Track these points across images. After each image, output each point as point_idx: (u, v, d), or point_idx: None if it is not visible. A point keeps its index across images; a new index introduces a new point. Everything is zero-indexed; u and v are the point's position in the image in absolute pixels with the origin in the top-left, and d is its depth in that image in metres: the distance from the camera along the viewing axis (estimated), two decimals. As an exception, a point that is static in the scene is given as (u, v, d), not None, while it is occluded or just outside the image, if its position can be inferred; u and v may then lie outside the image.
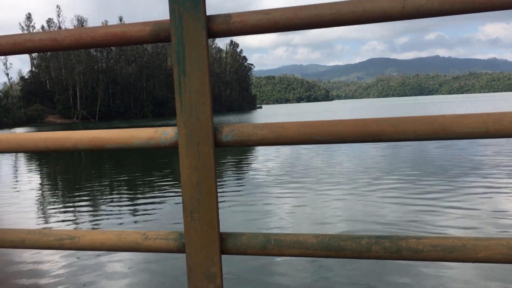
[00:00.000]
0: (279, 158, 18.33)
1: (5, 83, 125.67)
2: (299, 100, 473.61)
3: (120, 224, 9.12)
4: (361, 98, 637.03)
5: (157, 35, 1.20)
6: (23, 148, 1.31)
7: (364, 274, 5.54)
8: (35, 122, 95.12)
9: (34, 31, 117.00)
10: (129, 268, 6.56)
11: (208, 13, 1.17)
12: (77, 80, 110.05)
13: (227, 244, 1.20)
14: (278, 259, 6.12)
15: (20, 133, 1.31)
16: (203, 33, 1.15)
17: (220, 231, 1.20)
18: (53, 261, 6.96)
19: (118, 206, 10.48)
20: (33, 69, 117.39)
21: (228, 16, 1.16)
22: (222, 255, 1.20)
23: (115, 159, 21.58)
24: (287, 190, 11.10)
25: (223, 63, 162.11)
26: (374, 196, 9.82)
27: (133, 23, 1.22)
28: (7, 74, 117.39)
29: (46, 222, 9.62)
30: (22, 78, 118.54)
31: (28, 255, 7.10)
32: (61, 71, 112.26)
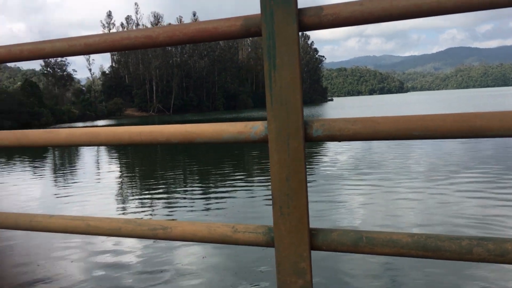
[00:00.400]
0: (350, 151, 18.00)
1: (88, 78, 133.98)
2: (371, 92, 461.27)
3: (192, 212, 9.40)
4: (438, 89, 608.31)
5: (248, 30, 1.21)
6: (119, 141, 1.37)
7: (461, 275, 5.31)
8: (115, 115, 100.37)
9: (114, 28, 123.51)
10: (203, 258, 6.75)
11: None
12: (153, 75, 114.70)
13: (317, 240, 1.19)
14: (367, 257, 5.98)
15: (117, 127, 1.38)
16: (294, 27, 1.13)
17: (310, 226, 1.19)
18: (132, 246, 7.33)
19: (203, 197, 10.68)
20: (113, 65, 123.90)
21: (319, 8, 1.14)
22: (312, 251, 1.19)
23: (197, 152, 22.21)
24: (363, 184, 10.88)
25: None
26: (460, 193, 9.36)
27: (224, 19, 1.24)
28: (90, 70, 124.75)
29: (135, 212, 10.13)
30: (103, 73, 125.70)
31: (107, 239, 7.52)
32: (138, 66, 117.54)
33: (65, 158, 23.36)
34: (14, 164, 21.76)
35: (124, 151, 24.05)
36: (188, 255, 6.92)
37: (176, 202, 10.60)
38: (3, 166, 20.91)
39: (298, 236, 1.17)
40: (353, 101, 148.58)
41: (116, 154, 23.32)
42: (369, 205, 8.93)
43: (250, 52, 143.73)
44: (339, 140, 1.15)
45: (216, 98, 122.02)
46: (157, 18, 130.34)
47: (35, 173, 18.08)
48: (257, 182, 12.46)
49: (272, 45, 1.16)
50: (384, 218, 7.96)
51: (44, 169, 19.40)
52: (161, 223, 1.35)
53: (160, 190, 12.34)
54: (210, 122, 1.28)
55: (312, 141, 1.17)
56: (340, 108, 79.44)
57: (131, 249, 7.26)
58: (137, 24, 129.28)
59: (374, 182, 11.04)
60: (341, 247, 1.16)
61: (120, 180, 15.28)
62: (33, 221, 1.53)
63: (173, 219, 8.93)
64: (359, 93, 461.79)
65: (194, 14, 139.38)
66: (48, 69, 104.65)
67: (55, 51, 1.42)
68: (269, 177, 1.21)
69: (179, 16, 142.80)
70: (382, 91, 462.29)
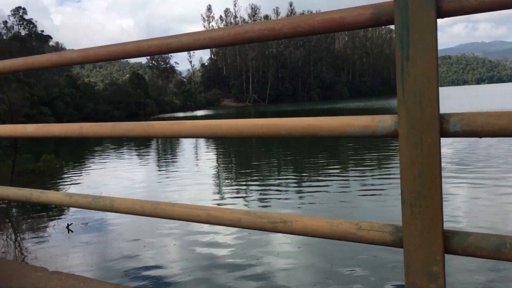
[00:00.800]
0: (454, 144, 16.93)
1: (188, 70, 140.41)
2: (479, 81, 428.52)
3: (288, 203, 9.44)
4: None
5: (378, 19, 1.15)
6: (240, 133, 1.39)
7: None
8: (213, 105, 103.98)
9: (213, 21, 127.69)
10: (298, 248, 6.78)
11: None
12: (250, 66, 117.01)
13: (452, 243, 1.10)
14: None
15: (239, 119, 1.39)
16: (432, 14, 1.05)
17: (444, 228, 1.11)
18: (229, 232, 7.55)
19: (321, 192, 10.43)
20: (212, 57, 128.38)
21: (461, -8, 1.04)
22: (445, 254, 1.11)
23: (296, 143, 22.28)
24: (473, 180, 10.19)
25: (393, 43, 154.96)
26: None
27: (352, 8, 1.19)
28: (190, 62, 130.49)
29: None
30: (202, 65, 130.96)
31: (206, 227, 7.81)
32: (236, 57, 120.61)
33: (166, 146, 24.69)
34: (121, 151, 23.50)
35: (221, 140, 24.77)
36: (284, 243, 6.99)
37: (274, 194, 10.72)
38: (113, 153, 22.67)
39: (431, 238, 1.10)
40: (457, 91, 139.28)
41: (214, 143, 24.13)
42: (479, 201, 8.35)
43: (347, 41, 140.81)
44: (480, 136, 1.06)
45: (311, 88, 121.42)
46: (254, 10, 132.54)
47: (139, 160, 19.36)
48: (363, 176, 12.19)
49: (405, 34, 1.09)
50: (498, 219, 7.39)
51: (147, 157, 20.70)
52: (281, 216, 1.35)
53: (260, 181, 12.57)
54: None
55: (449, 136, 1.09)
56: (445, 98, 75.02)
57: (228, 235, 7.51)
58: (235, 17, 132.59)
59: (484, 178, 10.29)
60: (480, 252, 1.07)
61: (220, 169, 15.80)
62: (158, 208, 1.61)
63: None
64: (464, 82, 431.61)
65: (291, 4, 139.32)
66: (153, 62, 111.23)
67: (181, 45, 1.47)
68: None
69: (276, 7, 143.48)
70: (491, 80, 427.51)
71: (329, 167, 13.80)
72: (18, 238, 8.58)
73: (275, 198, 10.08)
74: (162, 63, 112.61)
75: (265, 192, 10.77)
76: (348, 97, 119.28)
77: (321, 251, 6.54)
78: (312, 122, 1.25)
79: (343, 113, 46.44)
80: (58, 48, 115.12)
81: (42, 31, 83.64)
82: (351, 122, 1.21)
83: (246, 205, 9.70)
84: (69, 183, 13.56)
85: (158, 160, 19.24)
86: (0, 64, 2.04)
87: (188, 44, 1.45)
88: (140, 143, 25.83)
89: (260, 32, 1.32)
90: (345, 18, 1.19)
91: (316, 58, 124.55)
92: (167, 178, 13.84)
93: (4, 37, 77.86)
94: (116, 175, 15.03)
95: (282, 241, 6.99)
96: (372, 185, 10.64)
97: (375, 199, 9.26)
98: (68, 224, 8.90)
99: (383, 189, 10.06)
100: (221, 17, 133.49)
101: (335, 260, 6.20)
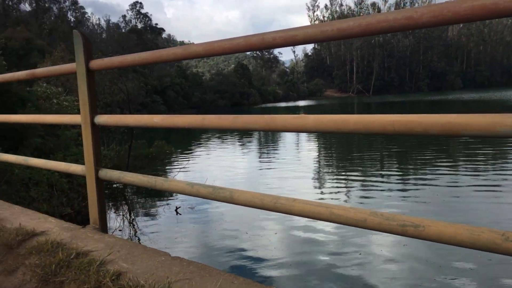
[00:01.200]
0: None
1: (291, 60, 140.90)
2: None
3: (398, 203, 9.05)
4: None
5: None
6: (369, 130, 1.31)
7: None
8: (315, 95, 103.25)
9: (318, 10, 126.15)
10: (403, 245, 6.52)
11: None
12: (355, 55, 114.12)
13: None
14: None
15: (368, 115, 1.32)
16: None
17: None
18: (329, 225, 7.45)
19: (442, 193, 9.73)
20: (316, 46, 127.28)
21: None
22: None
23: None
24: None
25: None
26: None
27: (508, -8, 1.05)
28: (294, 52, 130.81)
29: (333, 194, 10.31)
30: (306, 55, 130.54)
31: (304, 220, 7.76)
32: (340, 47, 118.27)
33: (268, 137, 25.00)
34: (225, 140, 24.27)
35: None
36: (387, 239, 6.76)
37: (382, 192, 10.39)
38: (217, 142, 23.52)
39: None
40: None
41: (316, 134, 23.93)
42: None
43: (461, 28, 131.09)
44: None
45: (420, 78, 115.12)
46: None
47: (241, 150, 19.87)
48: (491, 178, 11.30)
49: None
50: None
51: (249, 147, 21.16)
52: (413, 220, 1.26)
53: (365, 177, 12.25)
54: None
55: None
56: None
57: (329, 227, 7.43)
58: (341, 5, 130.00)
59: None
60: None
61: (321, 161, 15.68)
62: (277, 203, 1.60)
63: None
64: None
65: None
66: (257, 52, 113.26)
67: (307, 37, 1.42)
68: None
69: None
70: None
71: (444, 164, 13.03)
72: (133, 218, 9.27)
73: (383, 196, 9.75)
74: (266, 53, 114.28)
75: (372, 190, 10.47)
76: (461, 88, 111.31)
77: (429, 251, 6.21)
78: (453, 119, 1.14)
79: (456, 105, 43.43)
80: (170, 40, 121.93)
81: (156, 24, 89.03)
82: (501, 121, 1.07)
83: (345, 200, 9.51)
84: (177, 168, 14.35)
85: (260, 150, 19.60)
86: (131, 58, 2.17)
87: (315, 36, 1.41)
88: (242, 133, 26.47)
89: (395, 22, 1.23)
90: (498, 3, 1.05)
91: (427, 47, 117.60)
92: (268, 168, 14.05)
93: (123, 30, 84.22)
94: (218, 164, 15.60)
95: (385, 236, 6.77)
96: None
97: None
98: (176, 207, 9.41)
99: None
100: (326, 6, 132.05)
101: (446, 262, 5.85)
